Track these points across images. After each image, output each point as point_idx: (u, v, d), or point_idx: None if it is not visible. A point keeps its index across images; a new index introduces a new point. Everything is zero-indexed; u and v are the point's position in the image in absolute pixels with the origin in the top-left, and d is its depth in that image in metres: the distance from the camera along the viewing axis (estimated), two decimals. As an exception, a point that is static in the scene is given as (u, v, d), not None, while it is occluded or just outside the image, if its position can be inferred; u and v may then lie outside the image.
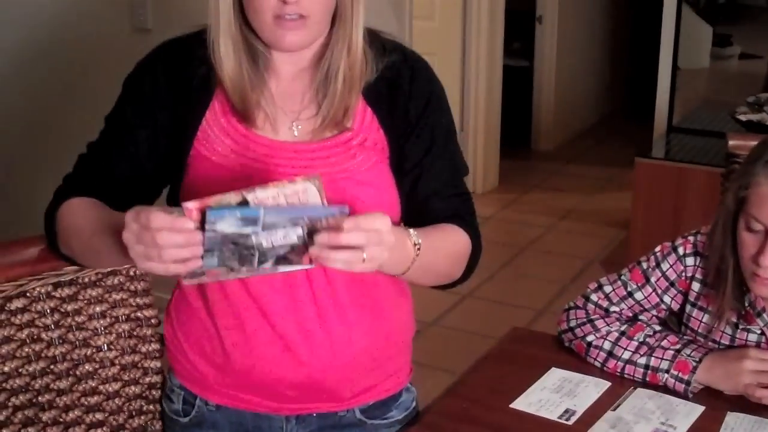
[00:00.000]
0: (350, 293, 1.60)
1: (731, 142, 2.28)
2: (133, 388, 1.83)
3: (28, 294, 1.71)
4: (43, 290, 1.72)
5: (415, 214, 1.63)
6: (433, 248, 1.54)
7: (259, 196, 1.31)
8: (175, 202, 1.60)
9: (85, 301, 1.77)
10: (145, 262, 1.31)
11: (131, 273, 1.80)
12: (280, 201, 1.32)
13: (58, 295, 1.74)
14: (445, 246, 1.60)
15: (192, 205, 1.30)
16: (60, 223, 1.58)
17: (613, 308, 1.87)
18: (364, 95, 1.59)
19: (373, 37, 1.61)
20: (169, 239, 1.28)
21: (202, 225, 1.30)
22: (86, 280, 1.76)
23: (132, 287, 1.81)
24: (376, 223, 1.33)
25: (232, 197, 1.31)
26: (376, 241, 1.33)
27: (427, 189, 1.63)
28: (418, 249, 1.49)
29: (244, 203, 1.31)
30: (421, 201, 1.63)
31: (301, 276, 1.55)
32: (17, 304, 1.70)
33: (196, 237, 1.30)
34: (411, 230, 1.50)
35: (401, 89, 1.61)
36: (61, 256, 1.64)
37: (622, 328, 1.84)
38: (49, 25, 3.81)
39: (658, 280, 1.85)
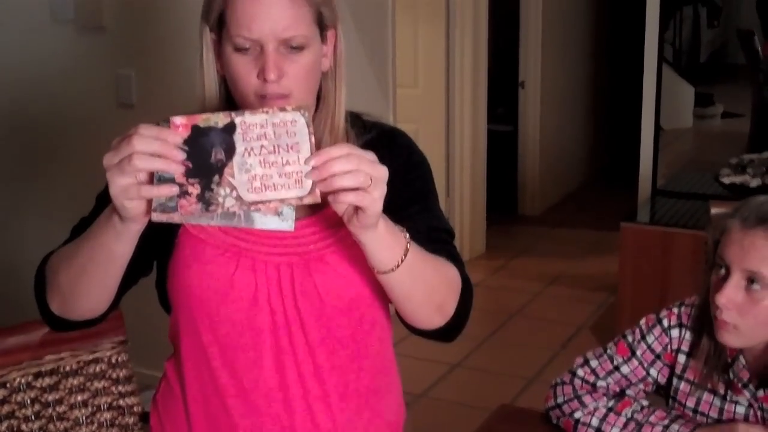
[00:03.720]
0: (336, 379, 1.58)
1: (713, 210, 2.29)
2: (115, 478, 1.81)
3: (8, 385, 1.69)
4: (23, 380, 1.71)
5: None
6: (421, 255, 1.48)
7: (248, 120, 1.31)
8: (163, 279, 1.59)
9: (66, 391, 1.75)
10: (117, 177, 1.27)
11: (113, 360, 1.79)
12: (267, 130, 1.31)
13: (38, 385, 1.72)
14: (434, 260, 1.53)
15: (180, 121, 1.29)
16: (47, 270, 1.53)
17: (600, 383, 1.86)
18: None
19: (354, 119, 1.62)
20: (146, 144, 1.26)
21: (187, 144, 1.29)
22: (67, 368, 1.75)
23: (114, 375, 1.79)
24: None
25: (221, 117, 1.30)
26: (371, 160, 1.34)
27: (413, 233, 1.59)
28: (409, 244, 1.44)
29: (231, 126, 1.30)
30: None
31: (291, 366, 1.54)
32: (-4, 395, 1.68)
33: (174, 151, 1.27)
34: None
35: (380, 158, 1.61)
36: (51, 317, 1.54)
37: (610, 404, 1.82)
38: (34, 99, 3.82)
39: (643, 353, 1.84)
